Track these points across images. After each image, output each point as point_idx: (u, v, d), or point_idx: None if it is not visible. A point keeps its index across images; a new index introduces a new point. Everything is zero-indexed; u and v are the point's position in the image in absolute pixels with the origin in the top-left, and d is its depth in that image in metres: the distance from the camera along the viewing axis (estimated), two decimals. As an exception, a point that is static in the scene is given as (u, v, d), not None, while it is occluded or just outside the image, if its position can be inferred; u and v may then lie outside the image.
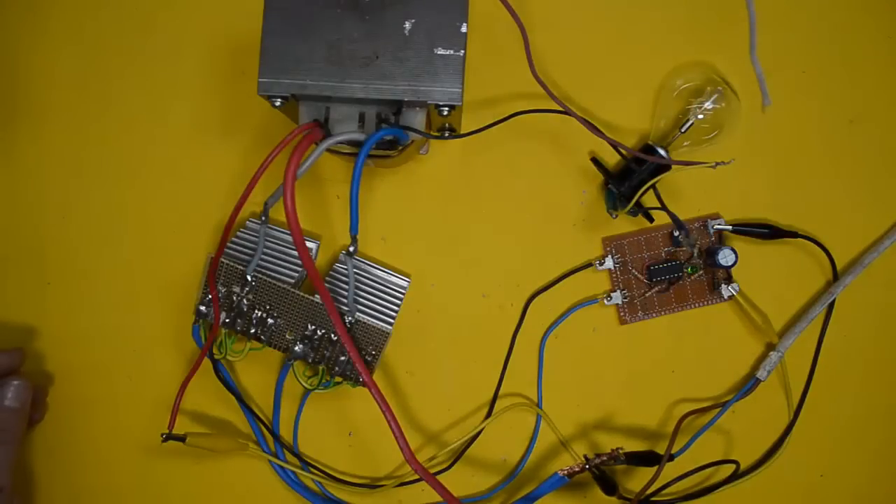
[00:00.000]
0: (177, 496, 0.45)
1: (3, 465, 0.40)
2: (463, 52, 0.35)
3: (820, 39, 0.46)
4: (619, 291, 0.45)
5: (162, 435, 0.41)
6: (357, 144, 0.36)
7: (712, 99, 0.43)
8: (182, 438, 0.41)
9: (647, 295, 0.45)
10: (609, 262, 0.45)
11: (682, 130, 0.43)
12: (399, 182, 0.45)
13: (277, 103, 0.36)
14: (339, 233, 0.45)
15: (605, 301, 0.45)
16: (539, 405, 0.45)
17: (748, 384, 0.44)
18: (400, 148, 0.38)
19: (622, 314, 0.45)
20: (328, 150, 0.37)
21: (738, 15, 0.44)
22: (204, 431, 0.44)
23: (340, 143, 0.36)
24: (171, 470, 0.45)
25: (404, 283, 0.44)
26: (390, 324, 0.42)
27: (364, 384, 0.39)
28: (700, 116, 0.43)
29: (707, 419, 0.44)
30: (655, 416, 0.45)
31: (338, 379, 0.42)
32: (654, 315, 0.45)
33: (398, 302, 0.43)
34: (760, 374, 0.44)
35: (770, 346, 0.44)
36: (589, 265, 0.45)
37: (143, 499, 0.45)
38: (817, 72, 0.45)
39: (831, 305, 0.44)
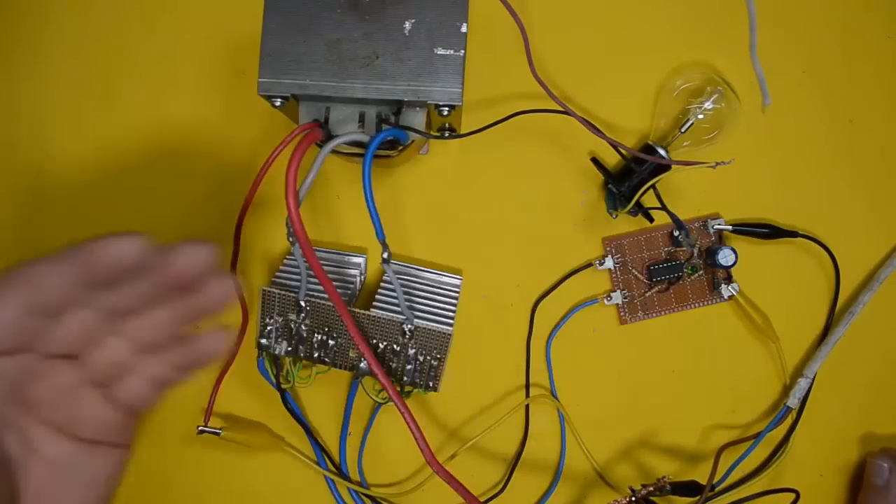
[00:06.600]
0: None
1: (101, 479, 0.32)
2: (463, 52, 0.35)
3: (820, 39, 0.46)
4: (619, 291, 0.45)
5: (197, 428, 0.42)
6: (358, 145, 0.36)
7: (712, 99, 0.43)
8: (217, 432, 0.42)
9: (647, 295, 0.45)
10: (609, 262, 0.45)
11: (682, 130, 0.43)
12: (399, 182, 0.45)
13: (277, 103, 0.36)
14: (343, 234, 0.45)
15: (606, 301, 0.45)
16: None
17: (780, 413, 0.43)
18: (400, 148, 0.38)
19: (622, 314, 0.45)
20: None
21: (738, 15, 0.44)
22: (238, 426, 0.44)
23: (343, 143, 0.36)
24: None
25: (457, 282, 0.43)
26: (450, 325, 0.40)
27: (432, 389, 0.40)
28: (700, 116, 0.43)
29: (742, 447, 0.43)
30: (656, 416, 0.45)
31: (408, 388, 0.41)
32: (654, 315, 0.45)
33: (454, 301, 0.42)
34: (791, 402, 0.43)
35: (798, 374, 0.44)
36: (589, 265, 0.45)
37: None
38: (817, 72, 0.46)
39: (832, 306, 0.45)
